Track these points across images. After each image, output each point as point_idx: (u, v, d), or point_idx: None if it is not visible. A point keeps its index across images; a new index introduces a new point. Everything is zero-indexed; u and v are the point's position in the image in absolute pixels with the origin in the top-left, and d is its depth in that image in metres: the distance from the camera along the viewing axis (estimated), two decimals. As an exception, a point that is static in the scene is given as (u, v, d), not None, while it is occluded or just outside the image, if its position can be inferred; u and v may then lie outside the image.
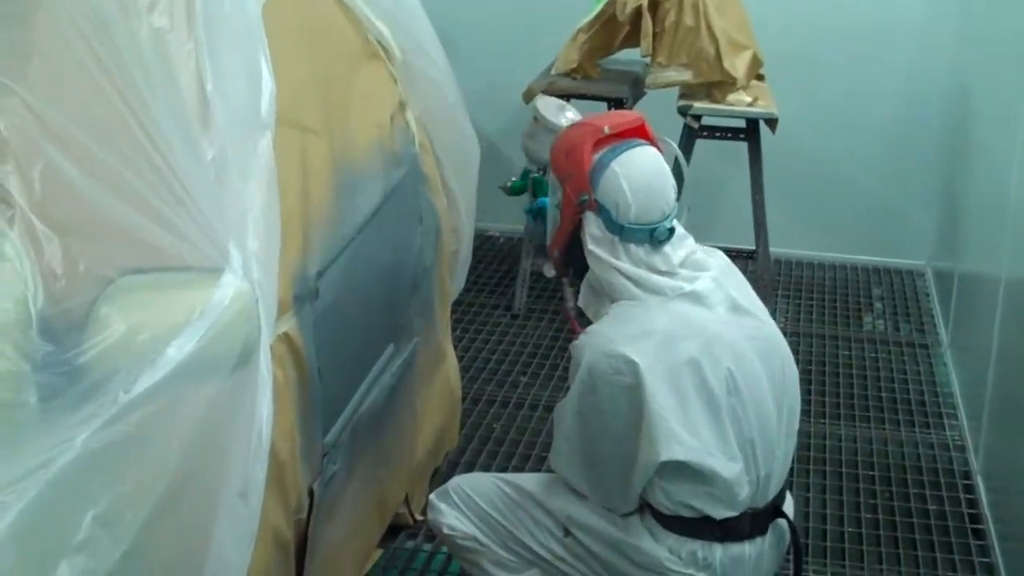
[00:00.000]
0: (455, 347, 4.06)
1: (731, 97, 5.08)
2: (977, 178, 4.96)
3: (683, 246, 2.78)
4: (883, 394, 4.80)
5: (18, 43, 2.01)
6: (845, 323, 5.49)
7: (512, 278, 5.61)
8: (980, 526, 3.88)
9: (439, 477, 3.83)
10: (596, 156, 2.75)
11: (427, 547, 3.67)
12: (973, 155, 5.12)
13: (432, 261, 3.60)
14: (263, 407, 2.17)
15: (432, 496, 3.07)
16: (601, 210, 2.73)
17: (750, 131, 5.21)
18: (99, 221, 1.98)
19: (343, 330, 2.93)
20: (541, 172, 3.34)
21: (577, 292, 2.97)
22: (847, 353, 5.14)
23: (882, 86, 5.92)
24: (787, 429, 2.79)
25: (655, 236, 2.72)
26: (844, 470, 4.20)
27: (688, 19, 4.96)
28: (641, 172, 2.75)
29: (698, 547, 2.72)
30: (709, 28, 4.95)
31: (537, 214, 3.22)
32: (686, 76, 5.05)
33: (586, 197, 2.74)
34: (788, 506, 2.87)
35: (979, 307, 4.54)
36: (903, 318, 5.58)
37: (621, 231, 2.72)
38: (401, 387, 3.37)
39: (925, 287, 5.91)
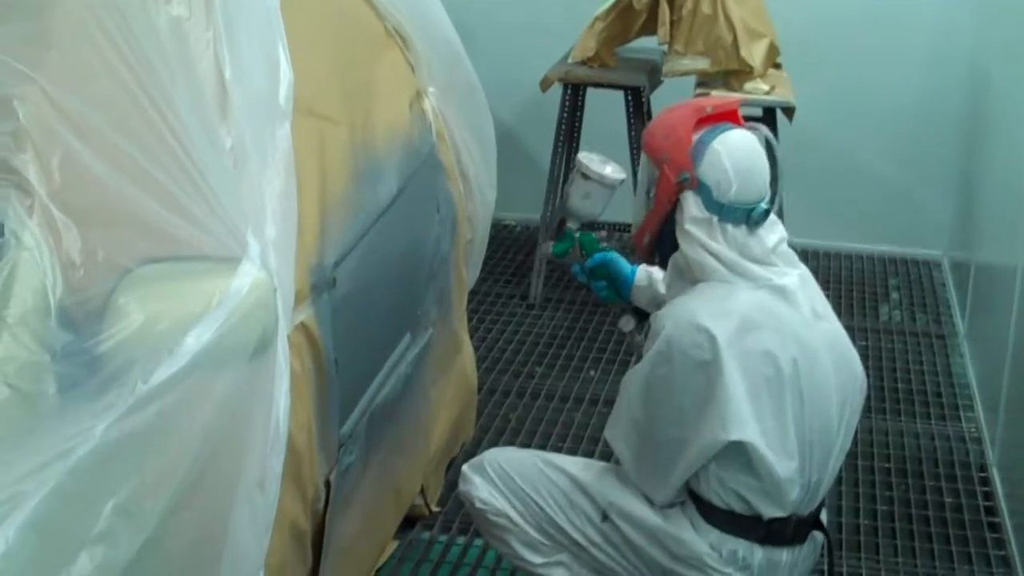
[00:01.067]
0: (471, 337, 4.06)
1: (748, 85, 5.06)
2: (995, 168, 4.94)
3: (775, 231, 2.77)
4: (899, 385, 4.79)
5: (37, 32, 2.00)
6: (861, 313, 5.48)
7: (528, 267, 5.60)
8: (996, 519, 3.88)
9: (455, 468, 3.83)
10: (696, 136, 2.74)
11: (443, 538, 3.67)
12: (991, 145, 5.10)
13: (449, 250, 3.60)
14: (280, 397, 2.17)
15: (465, 467, 3.02)
16: (702, 188, 2.70)
17: (767, 119, 5.18)
18: (118, 210, 1.97)
19: (360, 320, 2.92)
20: (583, 229, 3.22)
21: (637, 320, 3.05)
22: (863, 343, 5.12)
23: (900, 75, 5.90)
24: (843, 443, 2.79)
25: (752, 216, 2.70)
26: (860, 462, 4.19)
27: (705, 7, 4.95)
28: (743, 151, 2.74)
29: (740, 546, 2.70)
30: (726, 16, 4.95)
31: (592, 274, 3.16)
32: (703, 64, 5.04)
33: (687, 176, 2.71)
34: (823, 518, 2.86)
35: (996, 298, 4.52)
36: (919, 308, 5.56)
37: (721, 210, 2.69)
38: (417, 377, 3.37)
39: (942, 277, 5.90)
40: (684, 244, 2.74)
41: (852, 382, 2.80)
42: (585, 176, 3.08)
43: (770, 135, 2.89)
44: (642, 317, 3.14)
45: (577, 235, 3.16)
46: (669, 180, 2.74)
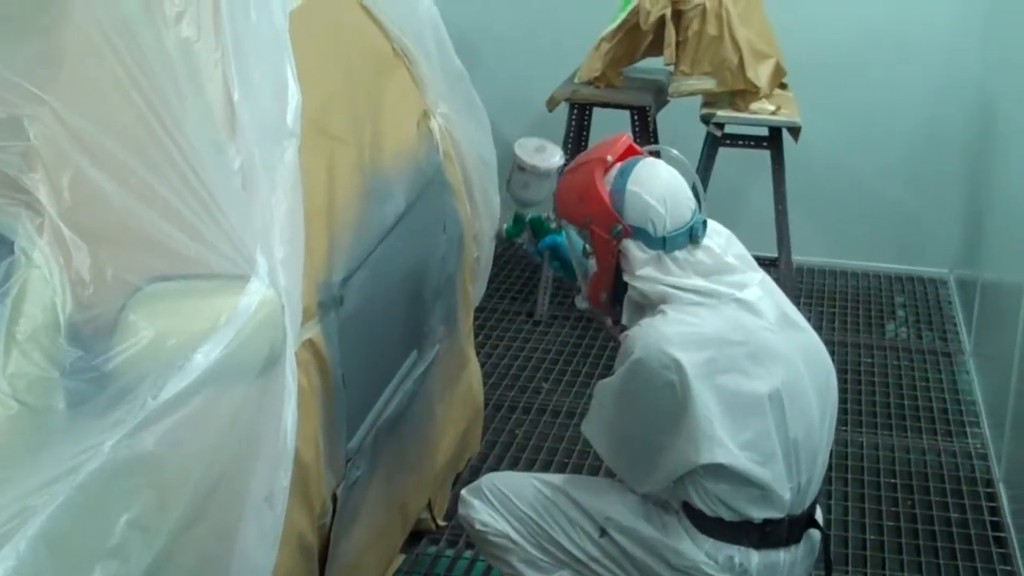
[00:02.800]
0: (477, 353, 4.07)
1: (754, 106, 5.09)
2: (1001, 187, 4.95)
3: (719, 234, 2.81)
4: (905, 402, 4.80)
5: (47, 53, 2.02)
6: (868, 331, 5.49)
7: (534, 284, 5.62)
8: (1002, 534, 3.88)
9: (461, 483, 3.84)
10: (608, 187, 2.78)
11: (449, 552, 3.69)
12: (997, 164, 5.11)
13: (455, 268, 3.62)
14: (288, 413, 2.19)
15: (464, 492, 3.05)
16: (638, 233, 2.74)
17: (773, 139, 5.22)
18: (127, 229, 1.99)
19: (367, 336, 2.94)
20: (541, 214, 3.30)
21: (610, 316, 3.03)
22: (869, 361, 5.14)
23: (906, 95, 5.91)
24: (827, 438, 2.82)
25: (694, 234, 2.74)
26: (866, 477, 4.20)
27: (711, 28, 4.97)
28: (658, 181, 2.79)
29: (735, 552, 2.73)
30: (732, 37, 4.97)
31: (549, 252, 3.20)
32: (709, 84, 5.06)
33: (620, 227, 2.75)
34: (817, 516, 2.88)
35: (1002, 315, 4.53)
36: (925, 326, 5.57)
37: (664, 244, 2.73)
38: (424, 393, 3.39)
39: (948, 295, 5.90)
40: (640, 286, 2.76)
41: (827, 380, 2.83)
42: (520, 168, 3.21)
43: (656, 148, 2.96)
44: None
45: (528, 218, 3.26)
46: (603, 238, 2.78)
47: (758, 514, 2.71)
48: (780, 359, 2.71)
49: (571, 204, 2.85)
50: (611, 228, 2.76)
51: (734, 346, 2.67)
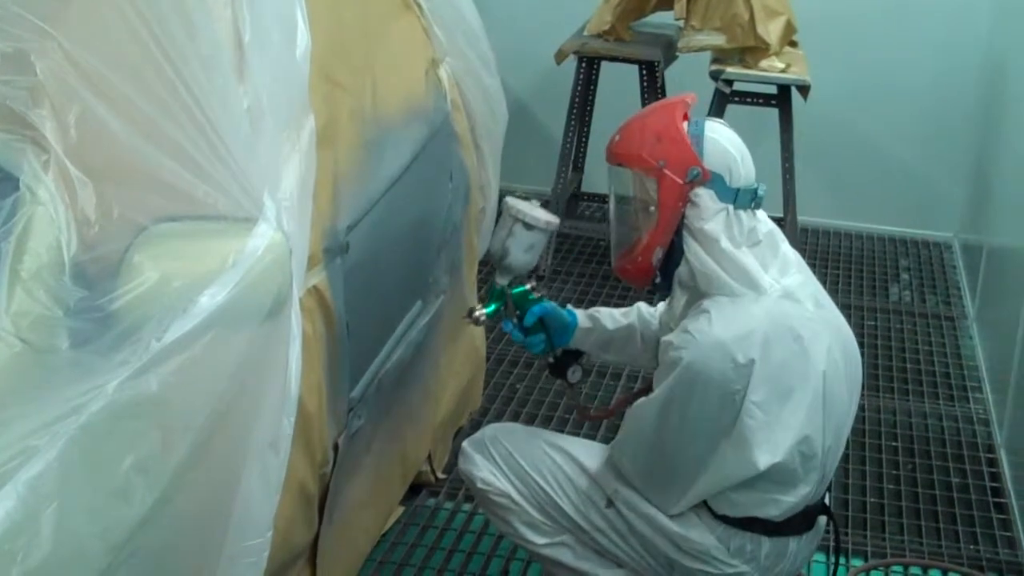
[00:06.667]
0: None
1: (764, 63, 5.05)
2: (1009, 151, 4.93)
3: (760, 216, 2.74)
4: (908, 366, 4.79)
5: (57, -12, 2.00)
6: (871, 294, 5.48)
7: (538, 239, 5.58)
8: (1002, 500, 3.88)
9: (462, 436, 3.83)
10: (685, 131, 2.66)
11: (448, 505, 3.68)
12: (1005, 128, 5.08)
13: (461, 219, 3.60)
14: (292, 359, 2.17)
15: (466, 444, 3.01)
16: (713, 180, 2.63)
17: (782, 97, 5.18)
18: (133, 168, 1.97)
19: (372, 285, 2.92)
20: (516, 282, 2.99)
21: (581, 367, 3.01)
22: (872, 324, 5.13)
23: (916, 55, 5.88)
24: (850, 425, 2.79)
25: (757, 196, 2.67)
26: (867, 440, 4.19)
27: (723, -17, 4.93)
28: (732, 133, 2.72)
29: (747, 540, 2.71)
30: (744, -8, 4.92)
31: (533, 328, 2.99)
32: (719, 40, 5.02)
33: (698, 171, 2.62)
34: (826, 499, 2.86)
35: (1007, 281, 4.52)
36: (929, 290, 5.56)
37: (735, 197, 2.63)
38: (427, 344, 3.37)
39: (952, 259, 5.89)
40: (698, 246, 2.64)
41: (855, 367, 2.79)
42: (529, 226, 2.86)
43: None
44: (574, 359, 3.06)
45: (511, 291, 2.98)
46: (675, 184, 2.63)
47: (779, 514, 2.69)
48: (821, 351, 2.64)
49: (645, 145, 2.66)
50: (688, 171, 2.62)
51: (782, 341, 2.58)
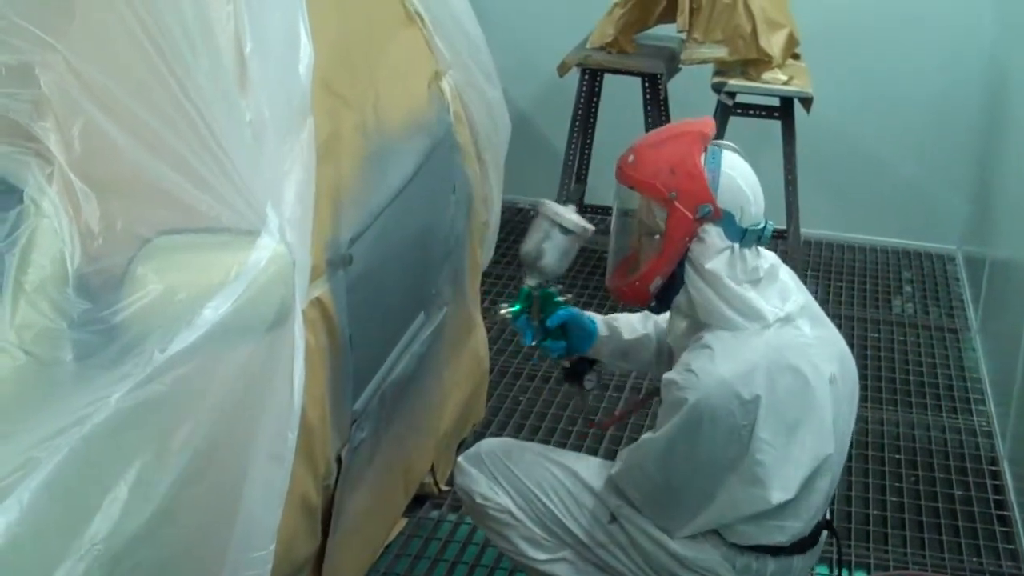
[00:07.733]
0: (484, 318, 4.05)
1: (766, 75, 5.06)
2: (1012, 164, 4.92)
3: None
4: (911, 378, 4.78)
5: (60, 1, 2.00)
6: (874, 306, 5.47)
7: (541, 251, 5.58)
8: (1005, 512, 3.87)
9: (465, 448, 3.83)
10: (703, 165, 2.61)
11: (452, 517, 3.68)
12: (1008, 140, 5.08)
13: (464, 231, 3.60)
14: (296, 371, 2.17)
15: (461, 459, 2.99)
16: (724, 218, 2.58)
17: (784, 110, 5.19)
18: (137, 180, 1.97)
19: (375, 297, 2.92)
20: (545, 285, 2.94)
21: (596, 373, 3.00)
22: (875, 336, 5.12)
23: (918, 68, 5.88)
24: (849, 438, 2.79)
25: (764, 235, 2.63)
26: (870, 452, 4.19)
27: (725, -5, 4.94)
28: (746, 170, 2.65)
29: (752, 559, 2.70)
30: (746, 5, 4.93)
31: (554, 332, 2.96)
32: (721, 53, 5.02)
33: (709, 208, 2.57)
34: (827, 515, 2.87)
35: (1010, 293, 4.51)
36: (932, 302, 5.55)
37: (743, 236, 2.59)
38: (430, 356, 3.37)
39: (955, 272, 5.88)
40: (702, 281, 2.60)
41: (852, 383, 2.78)
42: (566, 231, 2.84)
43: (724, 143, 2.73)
44: (589, 366, 3.05)
45: (538, 293, 2.94)
46: (684, 217, 2.58)
47: (786, 540, 2.68)
48: (823, 379, 2.62)
49: (659, 175, 2.59)
50: (699, 207, 2.58)
51: (784, 372, 2.56)
